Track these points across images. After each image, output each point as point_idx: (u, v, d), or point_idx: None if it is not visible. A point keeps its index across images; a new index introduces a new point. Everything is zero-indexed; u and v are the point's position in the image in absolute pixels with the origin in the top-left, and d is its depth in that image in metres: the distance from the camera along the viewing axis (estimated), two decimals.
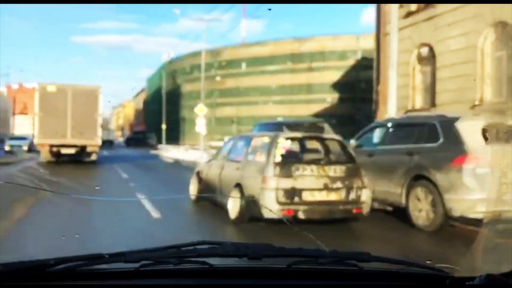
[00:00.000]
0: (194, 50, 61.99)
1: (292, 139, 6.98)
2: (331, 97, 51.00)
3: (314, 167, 6.28)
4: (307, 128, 11.11)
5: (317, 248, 1.50)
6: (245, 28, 60.17)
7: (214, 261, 1.34)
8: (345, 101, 49.59)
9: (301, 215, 6.00)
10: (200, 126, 25.00)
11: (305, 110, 51.56)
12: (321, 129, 11.03)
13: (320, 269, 1.38)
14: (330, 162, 6.61)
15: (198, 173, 8.81)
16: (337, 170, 6.34)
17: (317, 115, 50.11)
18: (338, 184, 6.28)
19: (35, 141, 18.71)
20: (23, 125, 53.31)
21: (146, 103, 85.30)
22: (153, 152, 34.44)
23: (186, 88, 64.73)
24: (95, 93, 18.45)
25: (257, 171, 6.34)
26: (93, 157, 18.71)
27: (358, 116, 38.03)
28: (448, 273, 1.37)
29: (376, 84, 19.52)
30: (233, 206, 6.58)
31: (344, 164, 6.58)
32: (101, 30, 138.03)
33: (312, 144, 7.59)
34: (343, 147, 7.04)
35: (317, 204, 6.22)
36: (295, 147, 7.20)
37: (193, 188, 8.74)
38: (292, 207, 6.02)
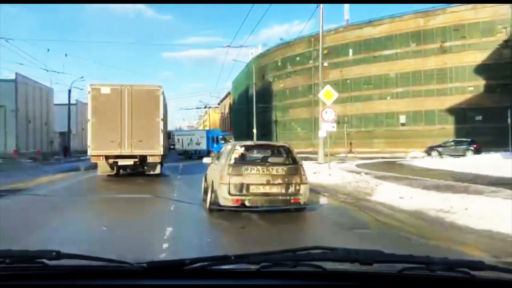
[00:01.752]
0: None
1: (247, 146, 9.47)
2: (474, 85, 38.50)
3: (260, 167, 8.00)
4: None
5: (427, 255, 1.45)
6: (348, 8, 48.76)
7: (327, 265, 1.37)
8: (494, 89, 36.98)
9: (247, 203, 7.71)
10: (327, 126, 15.09)
11: (436, 104, 39.57)
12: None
13: (431, 276, 1.39)
14: (274, 164, 8.29)
15: (205, 176, 10.14)
16: (279, 170, 7.98)
17: (452, 109, 38.24)
18: (279, 180, 7.88)
19: (88, 152, 15.50)
20: None
21: (232, 107, 78.36)
22: None
23: (278, 85, 55.25)
24: (155, 94, 15.63)
25: (219, 171, 8.18)
26: (156, 170, 16.14)
27: None
28: None
29: None
30: (208, 198, 8.51)
31: (286, 165, 8.30)
32: (190, 45, 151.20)
33: (266, 150, 10.00)
34: (289, 151, 8.74)
35: (261, 195, 7.82)
36: (252, 152, 10.47)
37: (202, 189, 10.11)
38: (240, 197, 7.73)
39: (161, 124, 15.51)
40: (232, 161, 7.98)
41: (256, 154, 10.61)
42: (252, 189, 7.72)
